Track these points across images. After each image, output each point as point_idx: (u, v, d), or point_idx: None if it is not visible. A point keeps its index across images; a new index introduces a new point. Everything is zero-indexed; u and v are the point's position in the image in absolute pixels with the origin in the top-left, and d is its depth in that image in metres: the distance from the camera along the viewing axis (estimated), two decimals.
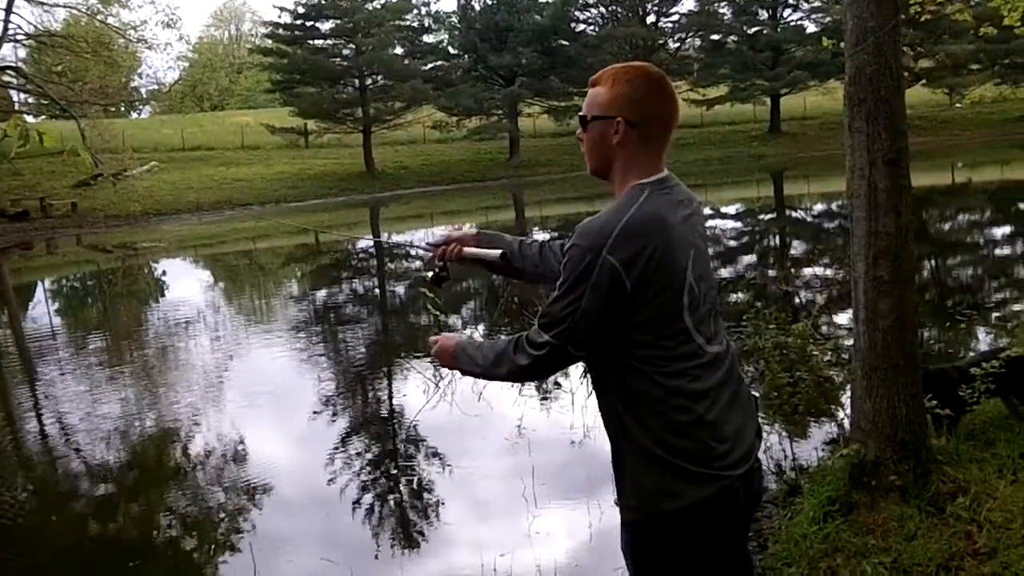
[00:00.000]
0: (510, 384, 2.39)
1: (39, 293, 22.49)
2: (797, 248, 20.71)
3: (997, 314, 11.08)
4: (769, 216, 27.72)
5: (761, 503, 2.77)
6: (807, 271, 16.22)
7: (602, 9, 55.30)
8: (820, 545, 4.44)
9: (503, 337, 2.57)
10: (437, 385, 9.34)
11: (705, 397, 2.42)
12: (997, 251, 17.99)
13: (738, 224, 25.93)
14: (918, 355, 5.01)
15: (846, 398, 7.18)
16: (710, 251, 2.58)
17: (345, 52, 47.89)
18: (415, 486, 7.04)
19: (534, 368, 2.48)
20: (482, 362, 2.61)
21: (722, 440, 2.43)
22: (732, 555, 2.62)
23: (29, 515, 7.36)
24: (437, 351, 2.76)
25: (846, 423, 6.37)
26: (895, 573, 4.12)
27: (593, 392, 2.59)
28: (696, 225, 2.50)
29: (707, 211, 29.63)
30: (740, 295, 13.12)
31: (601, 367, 2.48)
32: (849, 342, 8.00)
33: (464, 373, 2.73)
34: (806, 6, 53.28)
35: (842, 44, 4.96)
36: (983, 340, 9.85)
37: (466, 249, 2.98)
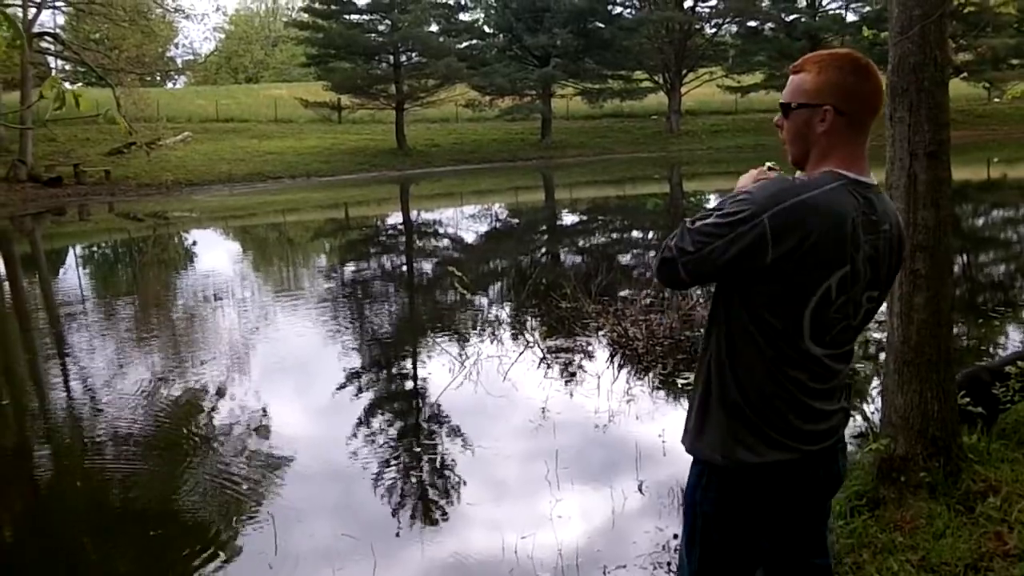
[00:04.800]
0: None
1: (70, 259, 22.62)
2: None
3: None
4: None
5: (842, 484, 2.81)
6: None
7: None
8: (846, 540, 4.39)
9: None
10: (462, 364, 9.33)
11: (801, 385, 2.45)
12: None
13: None
14: (952, 351, 4.94)
15: (874, 391, 7.12)
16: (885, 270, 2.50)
17: (381, 28, 47.72)
18: (437, 464, 7.02)
19: (658, 265, 2.46)
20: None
21: (806, 420, 2.47)
22: (799, 531, 2.63)
23: (53, 481, 7.42)
24: None
25: (874, 417, 6.30)
26: (922, 571, 4.06)
27: (703, 330, 2.58)
28: (870, 248, 2.39)
29: None
30: None
31: (721, 314, 2.48)
32: (877, 335, 7.91)
33: None
34: None
35: (882, 34, 4.88)
36: (1016, 338, 9.73)
37: None
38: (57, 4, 41.20)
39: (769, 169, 2.65)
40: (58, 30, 43.08)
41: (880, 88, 2.44)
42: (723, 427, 2.47)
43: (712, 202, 28.91)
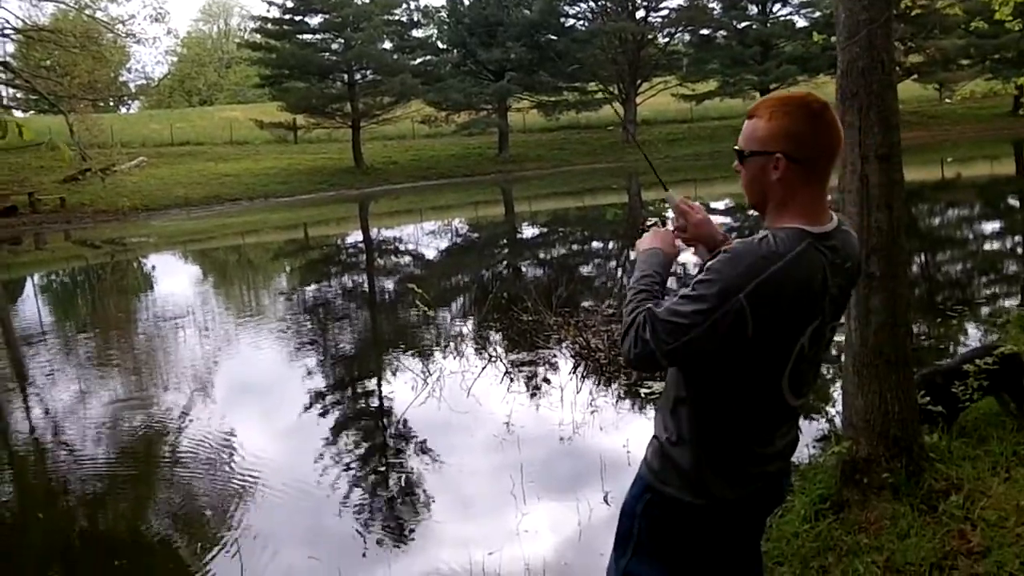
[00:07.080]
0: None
1: (28, 288, 22.35)
2: None
3: (987, 309, 11.06)
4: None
5: (783, 501, 2.84)
6: None
7: (591, 4, 55.30)
8: (812, 543, 4.40)
9: (643, 296, 2.41)
10: (426, 381, 9.29)
11: (767, 439, 2.46)
12: (987, 246, 17.97)
13: (728, 220, 25.88)
14: (910, 351, 4.97)
15: (836, 393, 7.16)
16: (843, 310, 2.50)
17: (334, 47, 47.75)
18: (403, 483, 6.98)
19: (634, 357, 2.33)
20: (629, 297, 2.46)
21: (760, 464, 2.48)
22: (736, 550, 2.63)
23: (15, 512, 7.31)
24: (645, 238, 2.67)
25: (837, 420, 6.33)
26: (888, 572, 4.07)
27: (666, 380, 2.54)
28: (835, 289, 2.34)
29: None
30: None
31: (690, 375, 2.43)
32: (838, 337, 7.95)
33: None
34: (795, 1, 53.38)
35: (833, 39, 4.92)
36: (974, 336, 9.82)
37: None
38: (6, 32, 40.80)
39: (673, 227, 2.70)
40: (8, 58, 42.68)
41: (837, 132, 2.34)
42: (680, 470, 2.45)
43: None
